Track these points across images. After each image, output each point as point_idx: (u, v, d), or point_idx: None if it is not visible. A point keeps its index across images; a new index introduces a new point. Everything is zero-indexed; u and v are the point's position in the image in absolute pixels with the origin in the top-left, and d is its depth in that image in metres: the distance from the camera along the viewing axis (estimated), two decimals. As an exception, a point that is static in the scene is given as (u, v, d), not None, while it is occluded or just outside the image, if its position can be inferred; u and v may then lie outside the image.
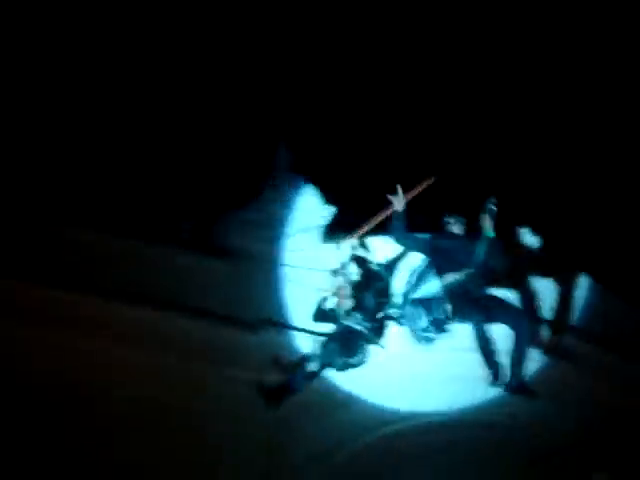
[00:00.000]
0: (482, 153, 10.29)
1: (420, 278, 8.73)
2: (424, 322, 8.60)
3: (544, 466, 10.10)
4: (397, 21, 11.58)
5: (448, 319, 8.47)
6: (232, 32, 12.00)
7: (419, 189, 8.82)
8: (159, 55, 11.54)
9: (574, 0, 11.95)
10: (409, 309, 8.72)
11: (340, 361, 9.33)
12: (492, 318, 8.42)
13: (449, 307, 8.45)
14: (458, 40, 11.10)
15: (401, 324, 8.87)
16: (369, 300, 9.37)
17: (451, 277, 8.50)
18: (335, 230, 10.04)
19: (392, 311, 9.01)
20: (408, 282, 8.83)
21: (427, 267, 8.69)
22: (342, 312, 9.28)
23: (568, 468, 10.10)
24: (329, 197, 10.41)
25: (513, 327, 8.37)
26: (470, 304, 8.46)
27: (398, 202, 8.60)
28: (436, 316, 8.52)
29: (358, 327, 9.24)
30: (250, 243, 10.70)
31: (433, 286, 8.58)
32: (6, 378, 10.33)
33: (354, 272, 9.38)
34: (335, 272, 9.28)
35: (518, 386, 8.39)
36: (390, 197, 8.61)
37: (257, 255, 10.65)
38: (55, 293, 10.47)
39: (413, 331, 8.68)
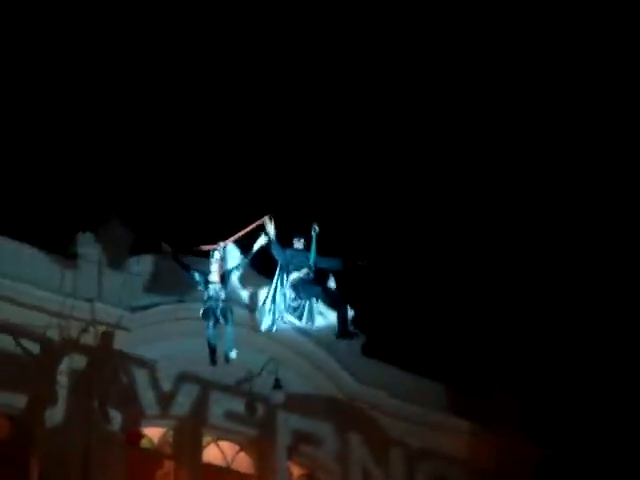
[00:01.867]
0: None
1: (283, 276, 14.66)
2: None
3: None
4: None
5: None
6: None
7: (257, 223, 14.58)
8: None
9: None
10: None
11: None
12: (322, 299, 14.67)
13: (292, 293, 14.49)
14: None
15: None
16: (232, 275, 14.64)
17: (296, 274, 14.54)
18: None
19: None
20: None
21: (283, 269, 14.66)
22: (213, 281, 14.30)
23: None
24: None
25: (333, 305, 14.80)
26: (308, 291, 14.48)
27: (269, 229, 14.55)
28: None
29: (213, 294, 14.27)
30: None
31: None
32: None
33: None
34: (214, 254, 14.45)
35: (345, 332, 14.97)
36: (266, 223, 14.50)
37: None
38: None
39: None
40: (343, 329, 15.00)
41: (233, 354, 14.52)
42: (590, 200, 23.39)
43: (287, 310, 14.75)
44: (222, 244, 14.61)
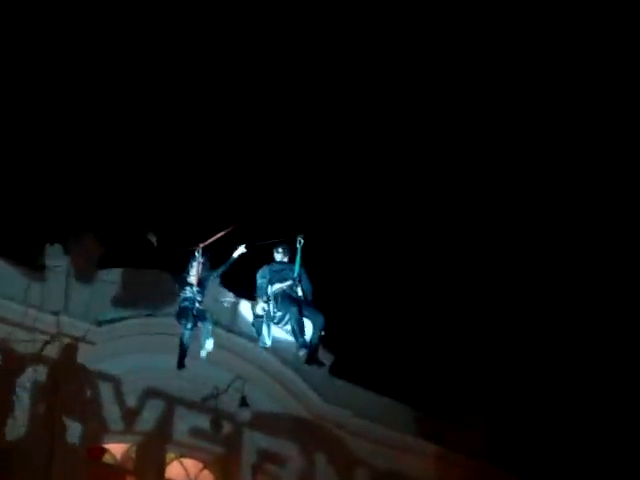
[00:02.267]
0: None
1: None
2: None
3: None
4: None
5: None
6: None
7: (227, 231, 13.75)
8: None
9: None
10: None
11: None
12: (302, 312, 13.25)
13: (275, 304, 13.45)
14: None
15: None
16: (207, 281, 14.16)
17: (279, 285, 13.49)
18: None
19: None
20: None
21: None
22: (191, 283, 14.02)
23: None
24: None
25: (311, 319, 13.23)
26: (290, 302, 13.28)
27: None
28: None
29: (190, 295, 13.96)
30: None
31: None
32: None
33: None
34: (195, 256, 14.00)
35: (313, 359, 13.34)
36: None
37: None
38: None
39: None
40: (312, 355, 13.77)
41: (210, 344, 14.04)
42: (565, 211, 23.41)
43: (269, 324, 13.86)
44: (202, 245, 14.15)
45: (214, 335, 14.13)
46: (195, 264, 14.13)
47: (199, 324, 14.02)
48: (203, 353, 14.06)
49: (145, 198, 21.33)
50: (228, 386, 17.01)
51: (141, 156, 22.06)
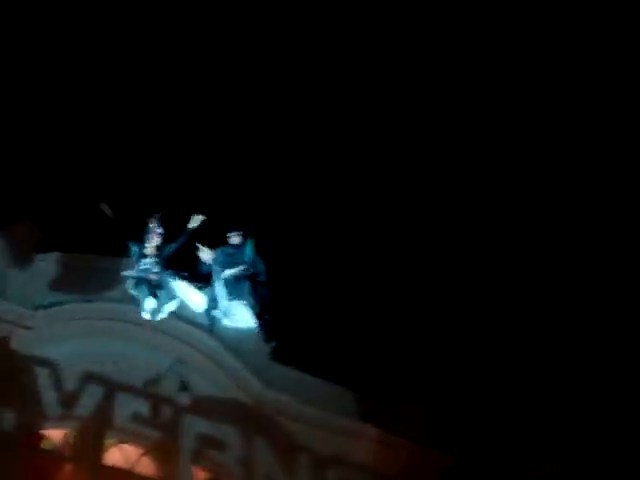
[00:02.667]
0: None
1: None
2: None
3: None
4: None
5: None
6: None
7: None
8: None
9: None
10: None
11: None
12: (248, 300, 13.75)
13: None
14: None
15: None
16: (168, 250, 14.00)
17: (231, 270, 13.69)
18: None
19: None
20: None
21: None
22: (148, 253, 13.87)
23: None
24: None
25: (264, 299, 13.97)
26: (239, 289, 13.64)
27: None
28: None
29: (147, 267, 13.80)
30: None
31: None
32: None
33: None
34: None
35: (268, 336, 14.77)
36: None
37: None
38: None
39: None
40: (267, 333, 14.57)
41: (170, 306, 14.02)
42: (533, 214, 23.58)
43: (221, 309, 14.10)
44: (157, 216, 14.14)
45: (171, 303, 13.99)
46: (151, 235, 14.00)
47: (157, 293, 13.82)
48: (158, 317, 13.90)
49: (87, 182, 21.05)
50: (168, 371, 16.90)
51: (80, 138, 21.78)
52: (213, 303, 14.07)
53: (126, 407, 16.70)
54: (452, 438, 19.97)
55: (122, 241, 14.40)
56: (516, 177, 23.54)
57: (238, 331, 15.24)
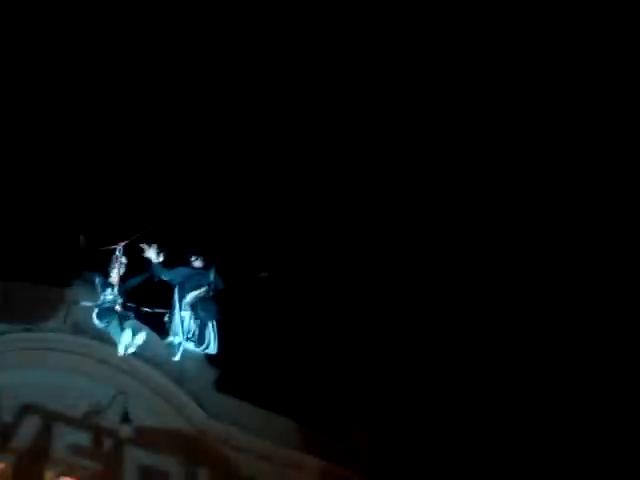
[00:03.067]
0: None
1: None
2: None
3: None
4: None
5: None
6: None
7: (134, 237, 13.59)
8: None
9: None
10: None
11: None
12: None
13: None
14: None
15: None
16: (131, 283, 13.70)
17: (194, 294, 13.62)
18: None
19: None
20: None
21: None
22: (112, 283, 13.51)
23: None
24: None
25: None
26: (206, 311, 13.64)
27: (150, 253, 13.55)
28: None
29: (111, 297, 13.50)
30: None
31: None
32: None
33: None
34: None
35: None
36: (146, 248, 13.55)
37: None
38: None
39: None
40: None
41: (140, 337, 13.53)
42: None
43: (185, 334, 13.74)
44: (122, 244, 13.63)
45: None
46: (116, 264, 13.64)
47: (125, 325, 13.54)
48: (129, 350, 13.63)
49: (30, 211, 20.83)
50: (110, 401, 16.72)
51: (29, 165, 21.53)
52: (176, 327, 13.84)
53: (66, 438, 16.47)
54: (397, 469, 19.96)
55: (81, 271, 14.14)
56: (516, 177, 23.54)
57: (182, 360, 15.09)
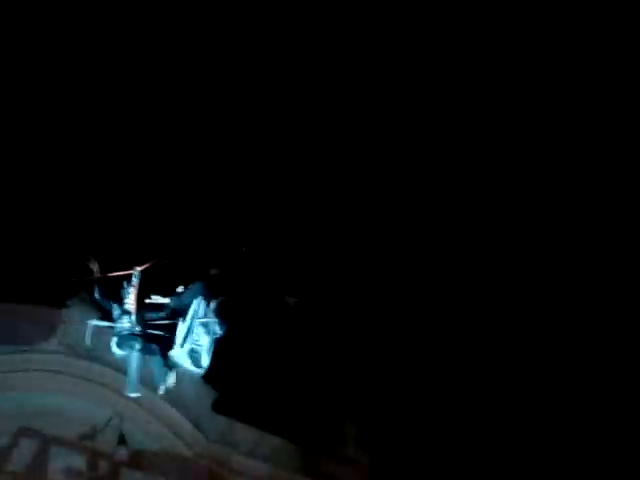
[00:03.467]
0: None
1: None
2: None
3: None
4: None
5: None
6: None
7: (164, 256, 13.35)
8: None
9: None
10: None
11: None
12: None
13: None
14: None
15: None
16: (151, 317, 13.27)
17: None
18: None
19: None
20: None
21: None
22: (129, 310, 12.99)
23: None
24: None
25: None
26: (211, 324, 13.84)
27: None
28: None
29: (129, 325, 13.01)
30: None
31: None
32: None
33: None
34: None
35: None
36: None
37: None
38: None
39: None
40: None
41: (172, 377, 13.56)
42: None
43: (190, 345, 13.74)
44: (138, 269, 12.97)
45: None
46: (132, 289, 13.00)
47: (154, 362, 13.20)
48: (162, 389, 13.37)
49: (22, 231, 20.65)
50: (106, 424, 16.52)
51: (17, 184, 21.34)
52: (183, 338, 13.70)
53: (61, 461, 16.29)
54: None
55: (95, 296, 13.47)
56: (516, 177, 23.37)
57: (179, 382, 14.95)
